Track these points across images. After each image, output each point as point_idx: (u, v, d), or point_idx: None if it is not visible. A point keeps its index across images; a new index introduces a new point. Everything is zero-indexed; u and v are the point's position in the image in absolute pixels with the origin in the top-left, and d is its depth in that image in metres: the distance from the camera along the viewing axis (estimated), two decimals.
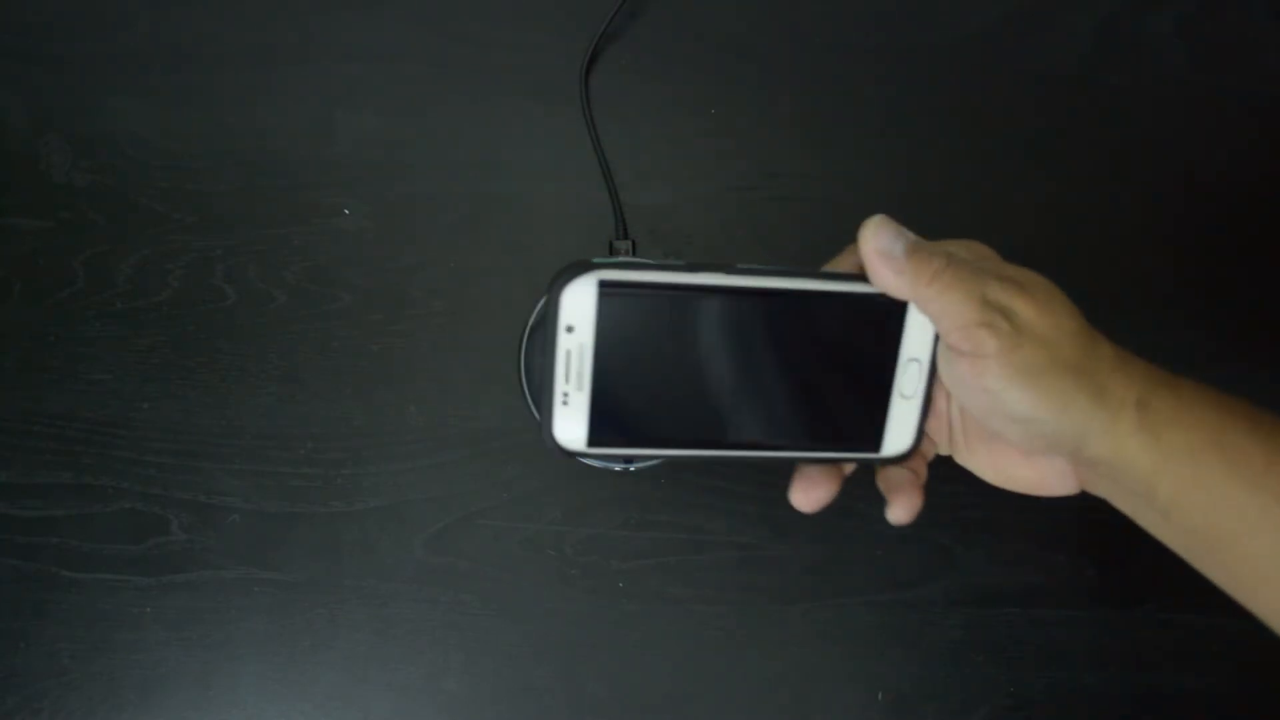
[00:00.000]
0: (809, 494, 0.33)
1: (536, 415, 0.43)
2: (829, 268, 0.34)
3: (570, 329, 0.29)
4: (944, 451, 0.34)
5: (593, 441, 0.31)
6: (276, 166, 0.47)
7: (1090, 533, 0.46)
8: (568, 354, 0.30)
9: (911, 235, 0.31)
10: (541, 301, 0.43)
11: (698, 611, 0.46)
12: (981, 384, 0.28)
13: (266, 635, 0.46)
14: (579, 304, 0.29)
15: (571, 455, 0.31)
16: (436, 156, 0.48)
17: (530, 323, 0.44)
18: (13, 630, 0.47)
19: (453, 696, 0.46)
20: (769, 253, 0.47)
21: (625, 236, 0.46)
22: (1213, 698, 0.46)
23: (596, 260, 0.29)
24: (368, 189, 0.47)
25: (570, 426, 0.30)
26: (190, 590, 0.47)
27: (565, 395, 0.30)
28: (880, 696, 0.46)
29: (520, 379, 0.43)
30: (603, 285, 0.29)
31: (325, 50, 0.48)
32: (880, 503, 0.47)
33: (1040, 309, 0.28)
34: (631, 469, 0.45)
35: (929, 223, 0.47)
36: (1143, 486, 0.28)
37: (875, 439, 0.32)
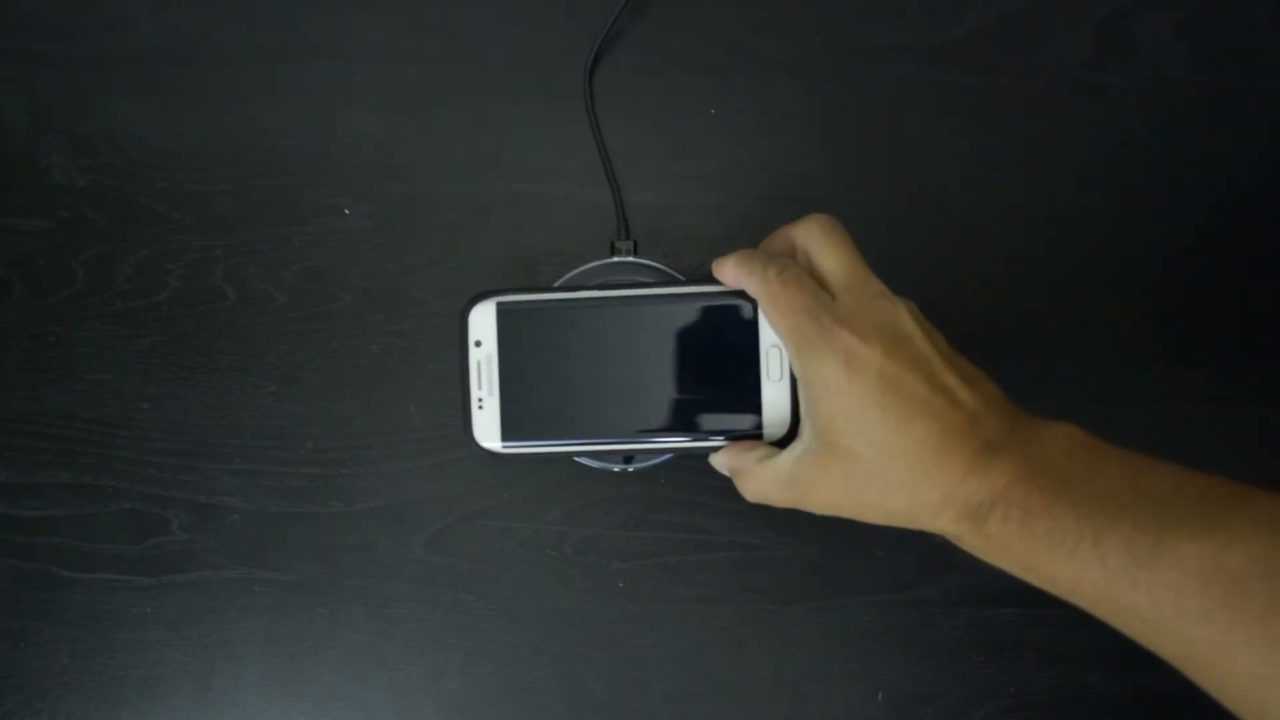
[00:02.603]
0: (716, 459, 0.37)
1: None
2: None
3: (478, 344, 0.36)
4: None
5: (506, 439, 0.36)
6: (276, 166, 0.47)
7: None
8: (478, 365, 0.36)
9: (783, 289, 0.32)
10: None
11: (698, 611, 0.46)
12: None
13: (266, 635, 0.46)
14: (483, 323, 0.36)
15: (492, 455, 0.36)
16: (436, 156, 0.48)
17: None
18: (13, 630, 0.47)
19: (453, 696, 0.46)
20: None
21: (627, 236, 0.46)
22: (1213, 697, 0.46)
23: (498, 289, 0.36)
24: (368, 189, 0.47)
25: (486, 428, 0.36)
26: (190, 590, 0.47)
27: (480, 400, 0.36)
28: (880, 696, 0.46)
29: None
30: (500, 306, 0.36)
31: (325, 50, 0.48)
32: None
33: (844, 431, 0.30)
34: (630, 469, 0.45)
35: (930, 223, 0.47)
36: None
37: (756, 422, 0.35)
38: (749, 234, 0.47)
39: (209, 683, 0.46)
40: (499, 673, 0.46)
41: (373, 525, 0.47)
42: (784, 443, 0.35)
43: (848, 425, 0.30)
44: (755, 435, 0.35)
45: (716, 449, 0.36)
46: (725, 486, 0.47)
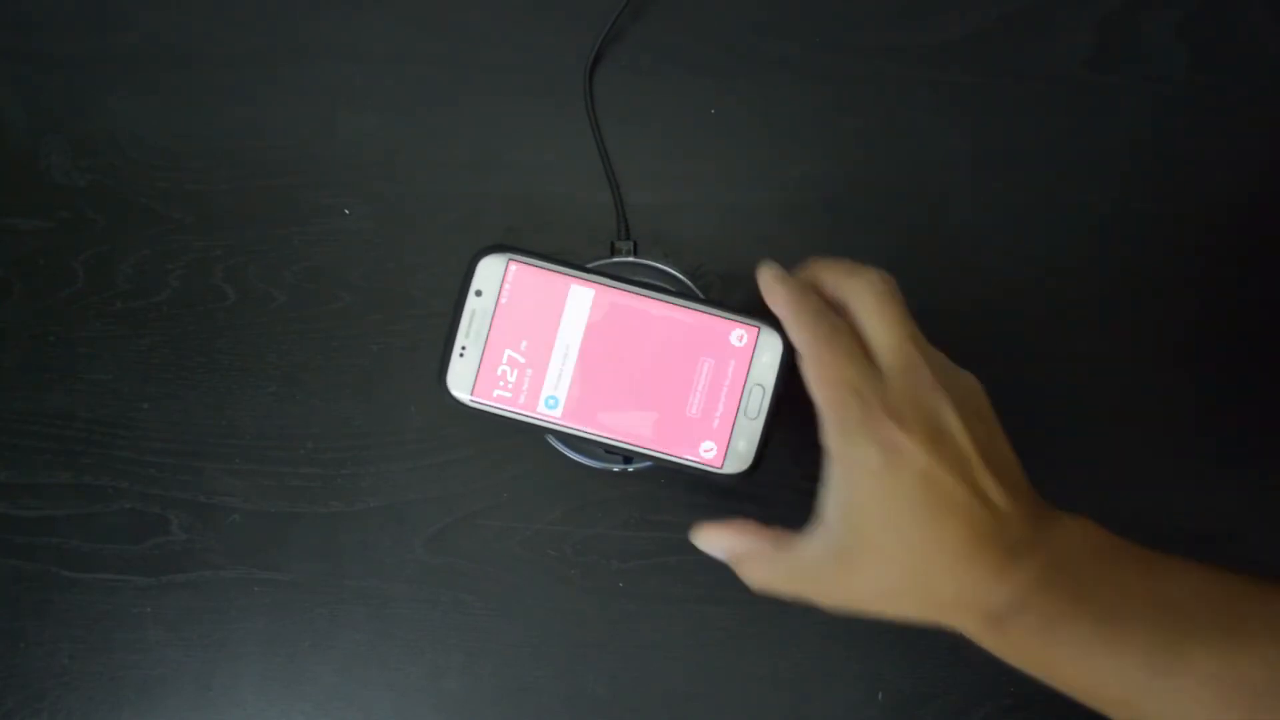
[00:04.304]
0: (707, 538, 0.35)
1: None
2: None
3: (479, 293, 0.36)
4: None
5: (476, 394, 0.36)
6: (276, 166, 0.47)
7: None
8: (472, 313, 0.36)
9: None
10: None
11: (698, 611, 0.46)
12: None
13: (266, 635, 0.46)
14: (490, 274, 0.36)
15: (457, 402, 0.36)
16: (436, 156, 0.48)
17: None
18: (13, 630, 0.47)
19: (453, 696, 0.46)
20: (770, 252, 0.47)
21: (627, 236, 0.46)
22: None
23: (514, 246, 0.36)
24: (368, 189, 0.47)
25: (460, 378, 0.36)
26: (190, 590, 0.47)
27: (463, 349, 0.36)
28: (880, 696, 0.46)
29: None
30: (511, 264, 0.36)
31: (325, 50, 0.48)
32: None
33: (877, 523, 0.30)
34: (630, 469, 0.45)
35: (931, 224, 0.47)
36: None
37: (721, 452, 0.36)
38: (749, 234, 0.47)
39: (209, 683, 0.46)
40: (499, 673, 0.46)
41: (373, 525, 0.47)
42: (738, 478, 0.36)
43: (882, 517, 0.29)
44: (715, 464, 0.36)
45: (676, 464, 0.36)
46: (725, 488, 0.47)
